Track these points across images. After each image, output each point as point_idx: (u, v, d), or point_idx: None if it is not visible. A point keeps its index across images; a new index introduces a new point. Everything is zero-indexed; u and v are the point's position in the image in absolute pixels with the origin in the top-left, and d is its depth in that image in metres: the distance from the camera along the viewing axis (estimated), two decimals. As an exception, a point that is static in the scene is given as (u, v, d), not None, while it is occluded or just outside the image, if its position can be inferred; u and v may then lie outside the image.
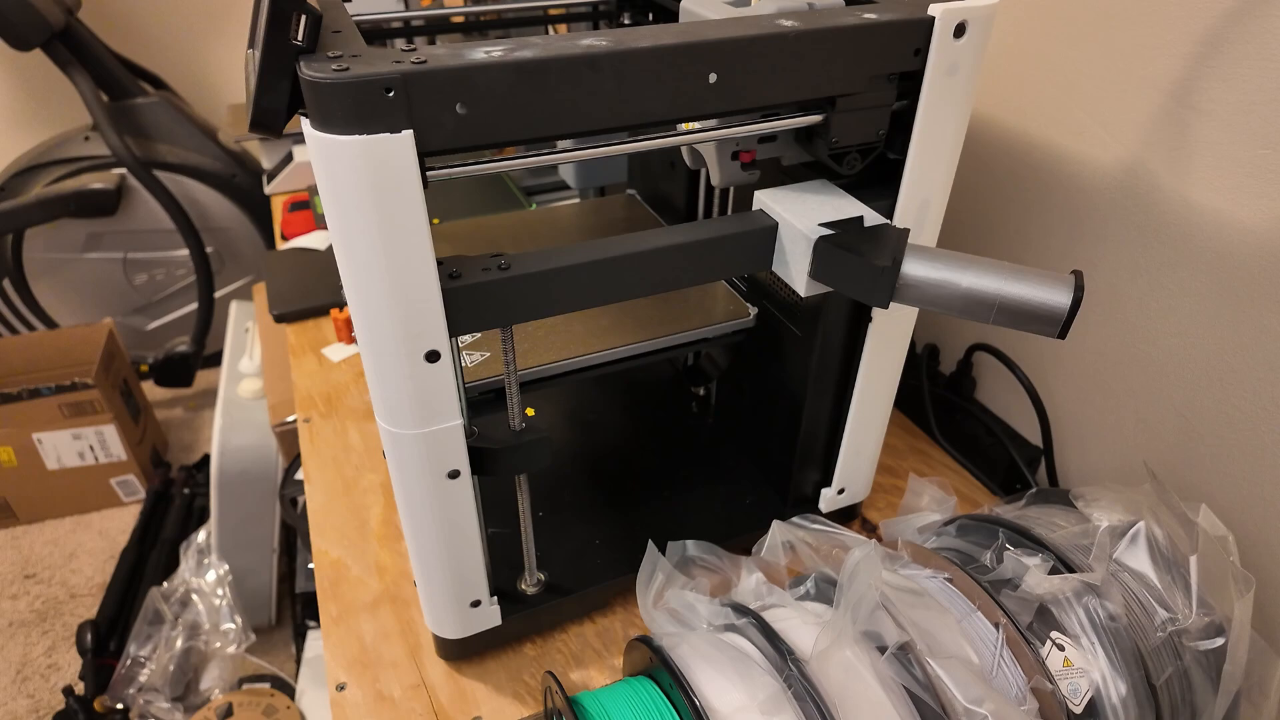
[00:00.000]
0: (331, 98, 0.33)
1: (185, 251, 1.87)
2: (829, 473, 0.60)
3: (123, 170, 1.73)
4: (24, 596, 1.53)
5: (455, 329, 0.40)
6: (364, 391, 0.80)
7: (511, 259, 0.41)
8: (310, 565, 0.89)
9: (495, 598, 0.53)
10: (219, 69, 2.09)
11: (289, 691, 1.30)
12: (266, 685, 1.32)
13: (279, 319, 0.89)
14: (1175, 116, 0.55)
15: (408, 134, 0.34)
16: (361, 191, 0.35)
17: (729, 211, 0.63)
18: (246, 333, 1.40)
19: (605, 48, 0.36)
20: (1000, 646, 0.45)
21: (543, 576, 0.57)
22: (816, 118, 0.44)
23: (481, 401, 0.53)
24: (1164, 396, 0.60)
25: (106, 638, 1.37)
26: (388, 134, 0.33)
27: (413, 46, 0.35)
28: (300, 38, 0.34)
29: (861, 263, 0.41)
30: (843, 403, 0.56)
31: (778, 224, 0.45)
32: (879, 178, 0.47)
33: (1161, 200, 0.57)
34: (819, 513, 0.62)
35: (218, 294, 1.93)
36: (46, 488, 1.64)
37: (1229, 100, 0.51)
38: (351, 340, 0.75)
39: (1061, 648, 0.46)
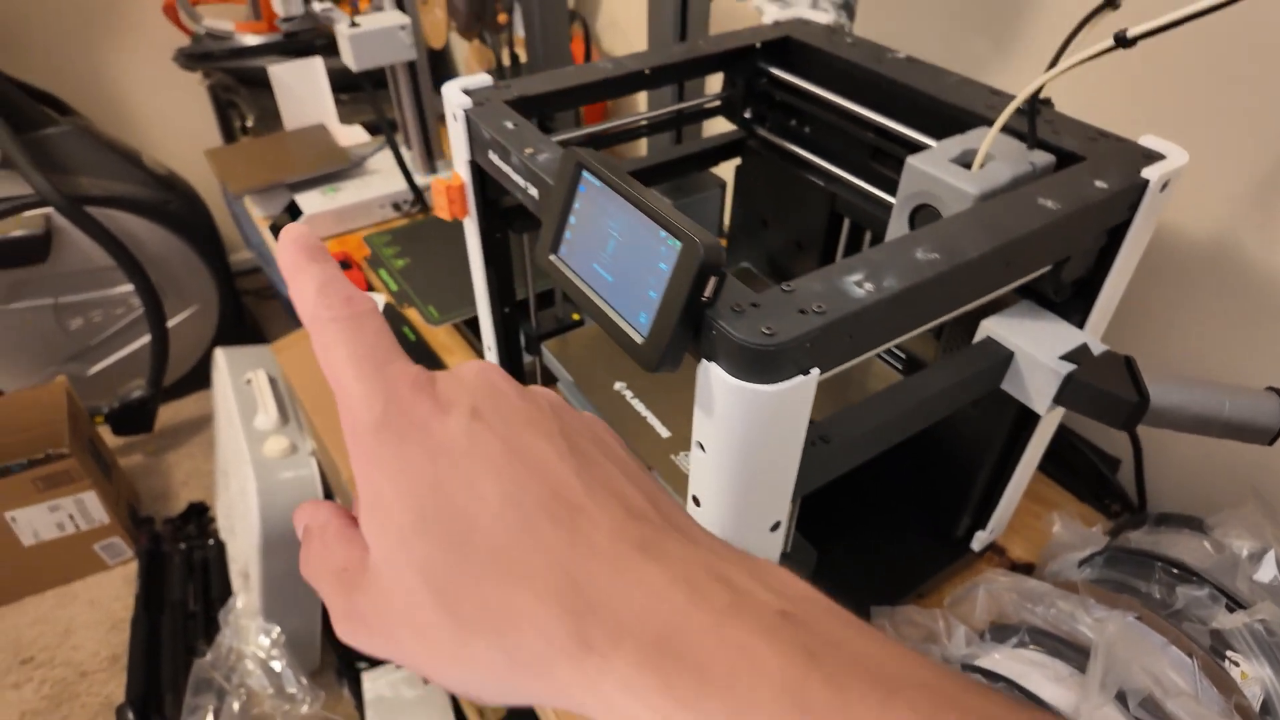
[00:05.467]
0: (761, 358, 0.36)
1: (122, 289, 1.74)
2: (986, 518, 0.69)
3: (46, 211, 1.58)
4: (28, 684, 1.45)
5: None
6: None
7: (826, 429, 0.46)
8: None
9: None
10: (120, 80, 1.91)
11: (356, 735, 1.32)
12: (331, 733, 1.33)
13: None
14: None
15: (815, 372, 0.38)
16: (771, 428, 0.39)
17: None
18: (249, 384, 1.35)
19: (945, 264, 0.41)
20: (1198, 674, 0.56)
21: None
22: (1049, 266, 0.50)
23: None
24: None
25: (144, 715, 1.33)
26: (801, 377, 0.38)
27: (791, 288, 0.39)
28: (709, 295, 0.37)
29: (1114, 398, 0.48)
30: (1010, 461, 0.65)
31: (1013, 354, 0.52)
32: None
33: (1248, 261, 0.67)
34: (972, 551, 0.71)
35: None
36: (24, 563, 1.54)
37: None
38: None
39: (1236, 664, 0.57)
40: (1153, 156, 0.50)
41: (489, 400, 0.25)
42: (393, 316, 0.98)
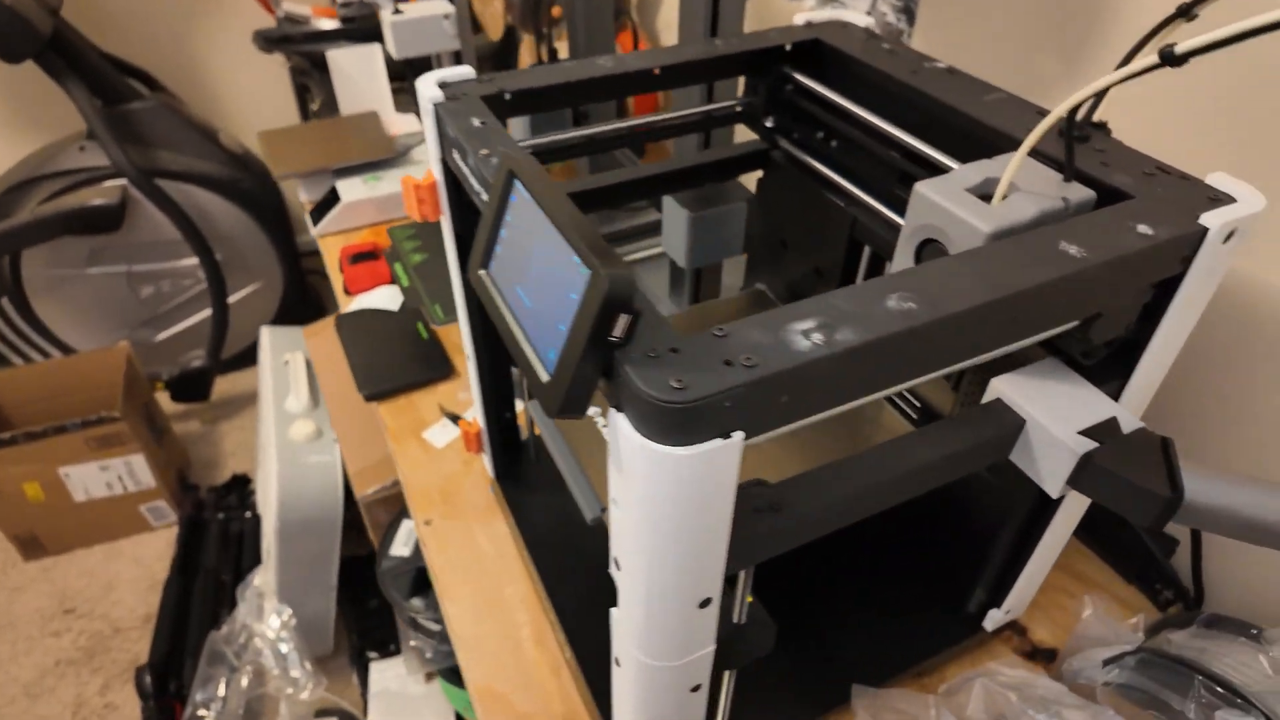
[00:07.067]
0: (667, 416, 0.30)
1: (191, 261, 1.80)
2: (1001, 597, 0.61)
3: (124, 182, 1.63)
4: (67, 633, 1.51)
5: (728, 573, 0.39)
6: (479, 486, 0.78)
7: (777, 496, 0.39)
8: (413, 644, 0.89)
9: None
10: (208, 59, 1.97)
11: (359, 726, 1.31)
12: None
13: (371, 398, 0.86)
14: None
15: (739, 435, 0.32)
16: (685, 495, 0.33)
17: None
18: (286, 365, 1.36)
19: (922, 317, 0.34)
20: (1231, 821, 0.46)
21: (732, 725, 0.57)
22: (1074, 323, 0.42)
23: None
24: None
25: (164, 678, 1.36)
26: (719, 440, 0.32)
27: (724, 332, 0.33)
28: (618, 334, 0.31)
29: (1139, 490, 0.40)
30: (1032, 536, 0.56)
31: (1025, 421, 0.44)
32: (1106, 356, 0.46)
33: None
34: (983, 630, 0.63)
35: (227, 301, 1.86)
36: (75, 519, 1.60)
37: None
38: (479, 450, 0.73)
39: (1282, 814, 0.47)
40: (1219, 199, 0.41)
41: None
42: (409, 314, 0.95)
